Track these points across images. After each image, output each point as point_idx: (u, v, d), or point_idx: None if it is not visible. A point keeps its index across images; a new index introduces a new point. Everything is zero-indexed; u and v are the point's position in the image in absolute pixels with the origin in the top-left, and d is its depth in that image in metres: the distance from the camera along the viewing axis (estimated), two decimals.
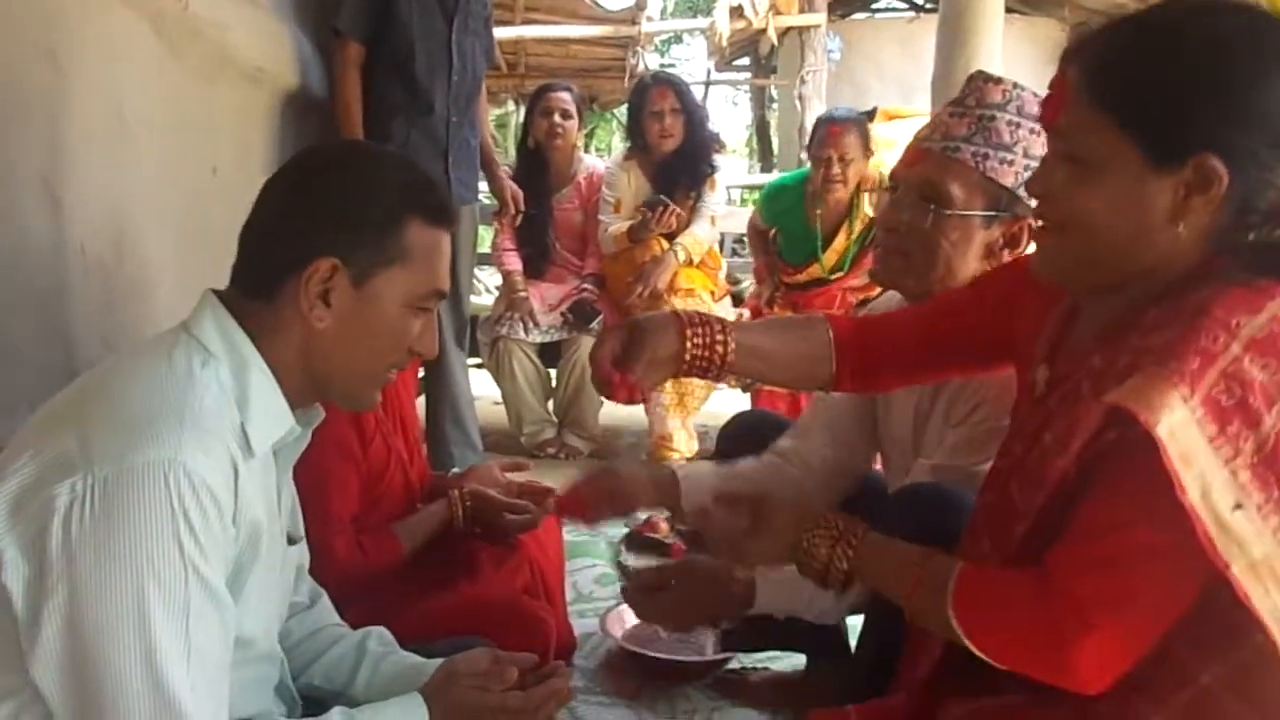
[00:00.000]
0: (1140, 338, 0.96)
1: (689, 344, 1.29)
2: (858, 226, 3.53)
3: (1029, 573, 0.99)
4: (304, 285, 1.00)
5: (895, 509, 1.42)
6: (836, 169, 3.38)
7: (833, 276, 3.60)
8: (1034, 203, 1.21)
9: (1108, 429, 0.94)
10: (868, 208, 3.51)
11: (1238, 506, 0.86)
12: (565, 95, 3.78)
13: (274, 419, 1.02)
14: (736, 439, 1.82)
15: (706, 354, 1.30)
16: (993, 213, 1.45)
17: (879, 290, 3.62)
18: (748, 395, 3.62)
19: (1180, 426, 0.86)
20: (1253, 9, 1.03)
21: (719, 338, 1.30)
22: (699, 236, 3.65)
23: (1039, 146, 1.40)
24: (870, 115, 3.96)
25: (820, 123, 3.59)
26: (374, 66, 2.75)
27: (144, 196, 1.72)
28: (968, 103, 1.47)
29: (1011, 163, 1.43)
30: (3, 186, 1.32)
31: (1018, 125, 1.44)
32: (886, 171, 4.81)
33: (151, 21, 1.71)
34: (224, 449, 0.93)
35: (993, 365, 1.39)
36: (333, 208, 1.03)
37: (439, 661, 1.19)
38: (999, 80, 1.47)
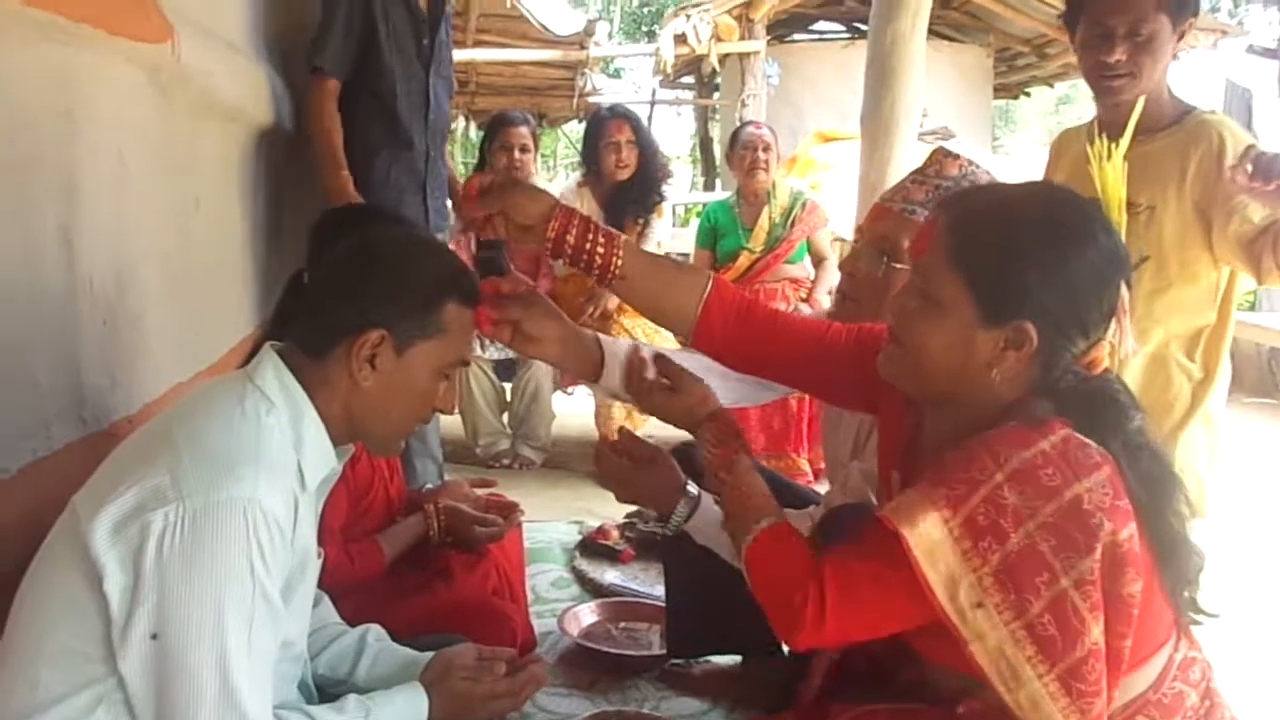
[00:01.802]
0: (955, 452, 1.14)
1: (555, 226, 1.35)
2: (777, 210, 4.12)
3: (812, 550, 1.19)
4: (355, 351, 1.18)
5: (821, 528, 1.59)
6: (762, 155, 4.04)
7: (758, 251, 4.11)
8: None
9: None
10: (784, 195, 4.14)
11: (979, 605, 1.05)
12: (524, 130, 3.91)
13: (322, 459, 1.19)
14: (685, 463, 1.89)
15: (586, 251, 1.36)
16: None
17: (824, 291, 3.98)
18: None
19: (934, 544, 1.05)
20: (1091, 206, 1.23)
21: (603, 244, 1.37)
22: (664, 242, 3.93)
23: None
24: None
25: (740, 129, 4.32)
26: (355, 106, 2.87)
27: (139, 230, 1.83)
28: (928, 172, 1.65)
29: None
30: (24, 232, 1.43)
31: None
32: (821, 190, 5.10)
33: (149, 74, 1.82)
34: (288, 486, 1.10)
35: (843, 403, 1.56)
36: (385, 288, 1.20)
37: (430, 655, 1.35)
38: (957, 157, 1.65)
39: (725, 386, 1.66)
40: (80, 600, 1.02)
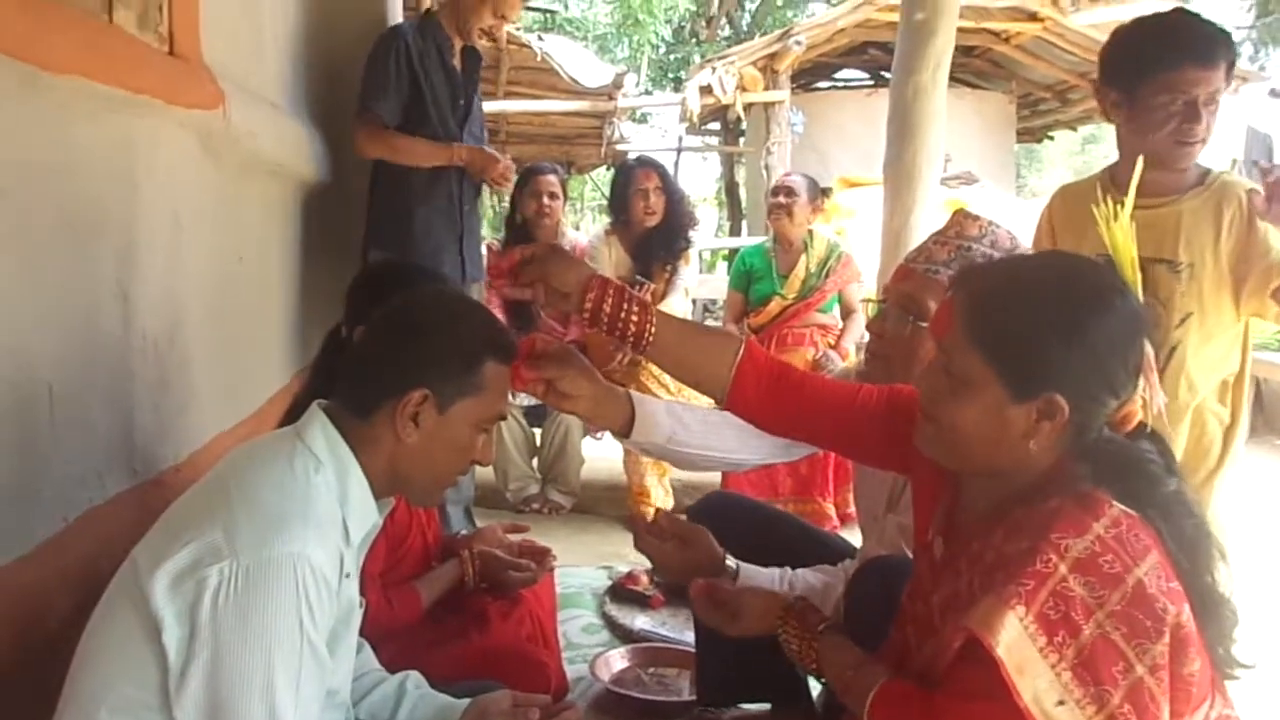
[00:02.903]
0: (1004, 539, 1.16)
1: (593, 296, 1.40)
2: (814, 260, 4.18)
3: (922, 699, 1.19)
4: (399, 410, 1.23)
5: (860, 580, 1.62)
6: (783, 199, 4.12)
7: (791, 299, 4.16)
8: None
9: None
10: (821, 246, 4.21)
11: (1060, 703, 1.06)
12: (552, 178, 4.01)
13: (366, 515, 1.25)
14: (704, 520, 1.88)
15: (620, 319, 1.40)
16: None
17: (851, 341, 4.04)
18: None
19: (1015, 643, 1.06)
20: (1105, 271, 1.27)
21: (636, 312, 1.41)
22: (675, 308, 3.92)
23: None
24: (826, 192, 4.41)
25: (781, 178, 4.42)
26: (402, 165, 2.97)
27: (189, 285, 1.91)
28: (949, 233, 1.69)
29: None
30: (87, 289, 1.51)
31: (991, 256, 1.63)
32: (846, 236, 5.15)
33: (200, 137, 1.91)
34: (334, 542, 1.16)
35: (876, 465, 1.59)
36: (428, 350, 1.26)
37: (467, 701, 1.39)
38: (977, 218, 1.69)
39: (755, 445, 1.71)
40: (140, 650, 1.07)
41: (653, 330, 1.42)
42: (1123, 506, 1.13)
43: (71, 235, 1.44)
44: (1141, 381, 1.21)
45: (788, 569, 1.80)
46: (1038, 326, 1.17)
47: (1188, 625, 1.09)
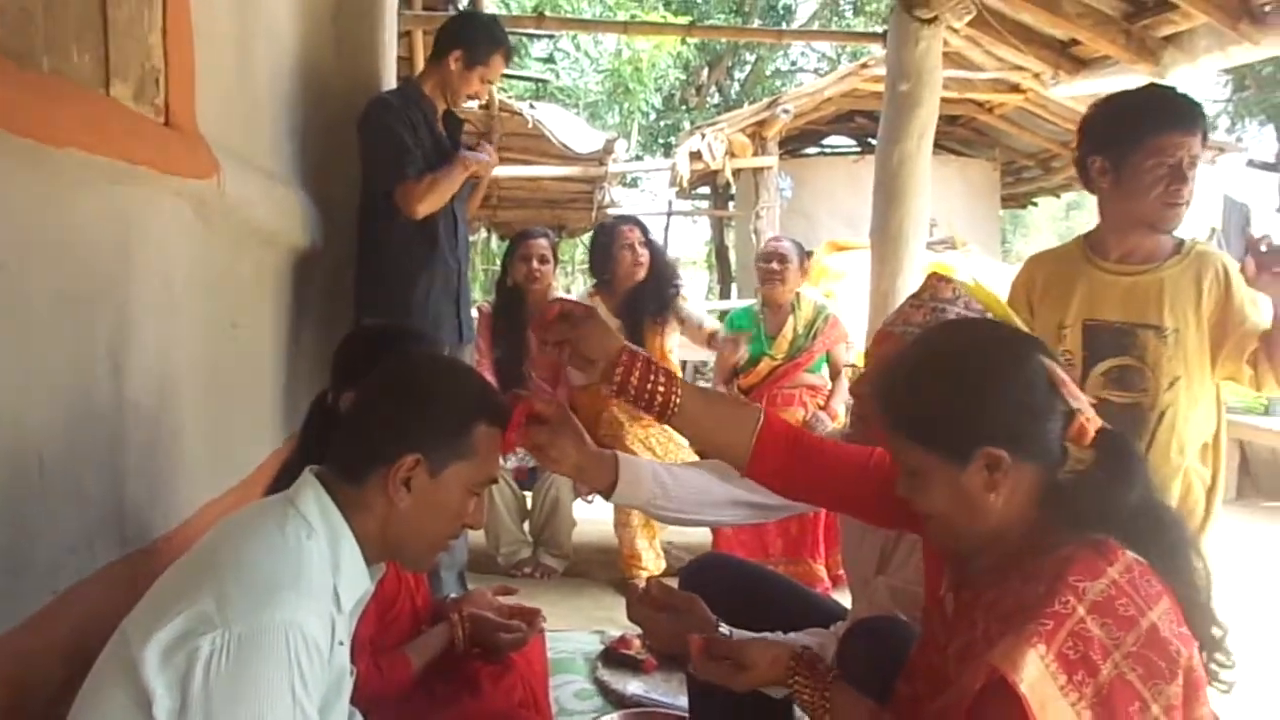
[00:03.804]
0: (1021, 584, 1.18)
1: (622, 369, 1.43)
2: (801, 322, 4.23)
3: None
4: (392, 474, 1.23)
5: (851, 640, 1.62)
6: (775, 265, 4.14)
7: (780, 359, 4.19)
8: None
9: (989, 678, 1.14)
10: (808, 308, 4.25)
11: None
12: (543, 243, 4.06)
13: (358, 581, 1.24)
14: (697, 581, 1.90)
15: (648, 391, 1.44)
16: None
17: (840, 402, 4.06)
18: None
19: (1037, 680, 1.07)
20: (982, 322, 1.36)
21: (663, 383, 1.45)
22: (704, 323, 4.11)
23: None
24: (809, 253, 4.47)
25: (768, 243, 4.45)
26: (396, 229, 3.00)
27: (181, 353, 1.92)
28: (924, 296, 1.73)
29: None
30: (80, 359, 1.51)
31: (965, 317, 1.66)
32: (835, 298, 5.21)
33: (194, 207, 1.93)
34: (326, 610, 1.15)
35: (888, 525, 1.62)
36: (419, 415, 1.26)
37: None
38: (950, 281, 1.73)
39: (735, 510, 1.76)
40: None
41: (678, 401, 1.46)
42: (1134, 555, 1.16)
43: (66, 305, 1.45)
44: (1066, 396, 1.23)
45: (780, 633, 1.78)
46: (941, 396, 1.22)
47: (1198, 669, 1.11)
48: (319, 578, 1.18)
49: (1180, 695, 1.08)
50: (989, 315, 1.58)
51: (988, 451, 1.19)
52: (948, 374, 1.23)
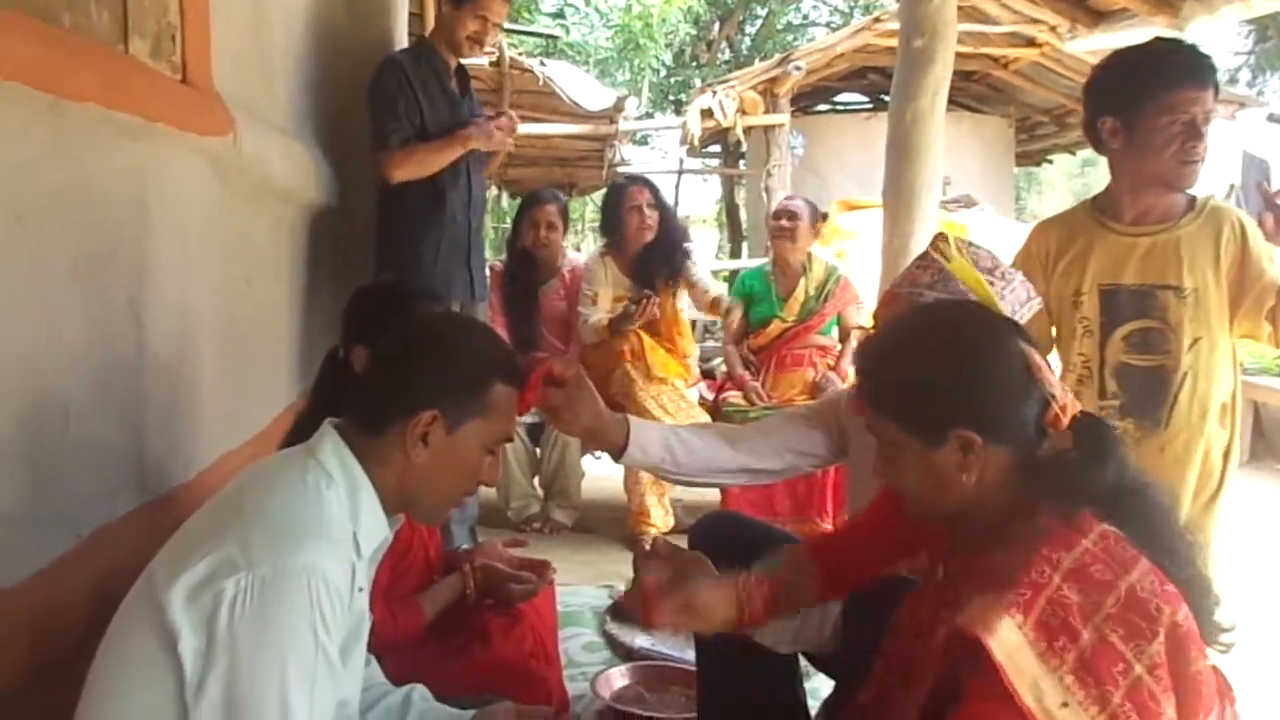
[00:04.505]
0: (1003, 556, 1.20)
1: (745, 615, 1.51)
2: (813, 283, 4.25)
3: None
4: (409, 429, 1.27)
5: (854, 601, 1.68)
6: (786, 223, 4.18)
7: (790, 321, 4.22)
8: None
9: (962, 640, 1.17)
10: (820, 270, 4.28)
11: (1064, 705, 1.09)
12: (551, 209, 4.08)
13: (376, 529, 1.28)
14: (706, 540, 1.91)
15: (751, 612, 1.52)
16: None
17: (850, 363, 4.09)
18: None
19: (1015, 648, 1.10)
20: (962, 305, 1.38)
21: (758, 589, 1.52)
22: (708, 287, 4.09)
23: (992, 294, 1.65)
24: (824, 215, 4.47)
25: (781, 202, 4.51)
26: (406, 189, 3.02)
27: (198, 307, 1.95)
28: (930, 257, 1.74)
29: None
30: (101, 311, 1.54)
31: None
32: (848, 258, 5.20)
33: (211, 164, 1.96)
34: (345, 555, 1.20)
35: (910, 556, 1.64)
36: (437, 372, 1.30)
37: (471, 713, 1.42)
38: (955, 241, 1.74)
39: (741, 472, 1.85)
40: (156, 661, 1.09)
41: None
42: (1109, 526, 1.18)
43: (86, 259, 1.48)
44: (1045, 382, 1.26)
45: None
46: (918, 377, 1.27)
47: (1186, 625, 1.13)
48: (339, 525, 1.21)
49: (1163, 652, 1.10)
50: (972, 296, 1.59)
51: (960, 434, 1.23)
52: (926, 356, 1.27)
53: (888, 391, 1.30)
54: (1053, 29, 6.76)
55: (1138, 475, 1.28)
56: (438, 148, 3.02)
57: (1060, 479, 1.22)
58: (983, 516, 1.27)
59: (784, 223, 4.20)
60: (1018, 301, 1.70)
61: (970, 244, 1.73)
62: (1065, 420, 1.25)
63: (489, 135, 3.10)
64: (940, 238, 1.76)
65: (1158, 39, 2.19)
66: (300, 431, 1.60)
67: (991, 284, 1.66)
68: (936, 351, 1.27)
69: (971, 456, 1.23)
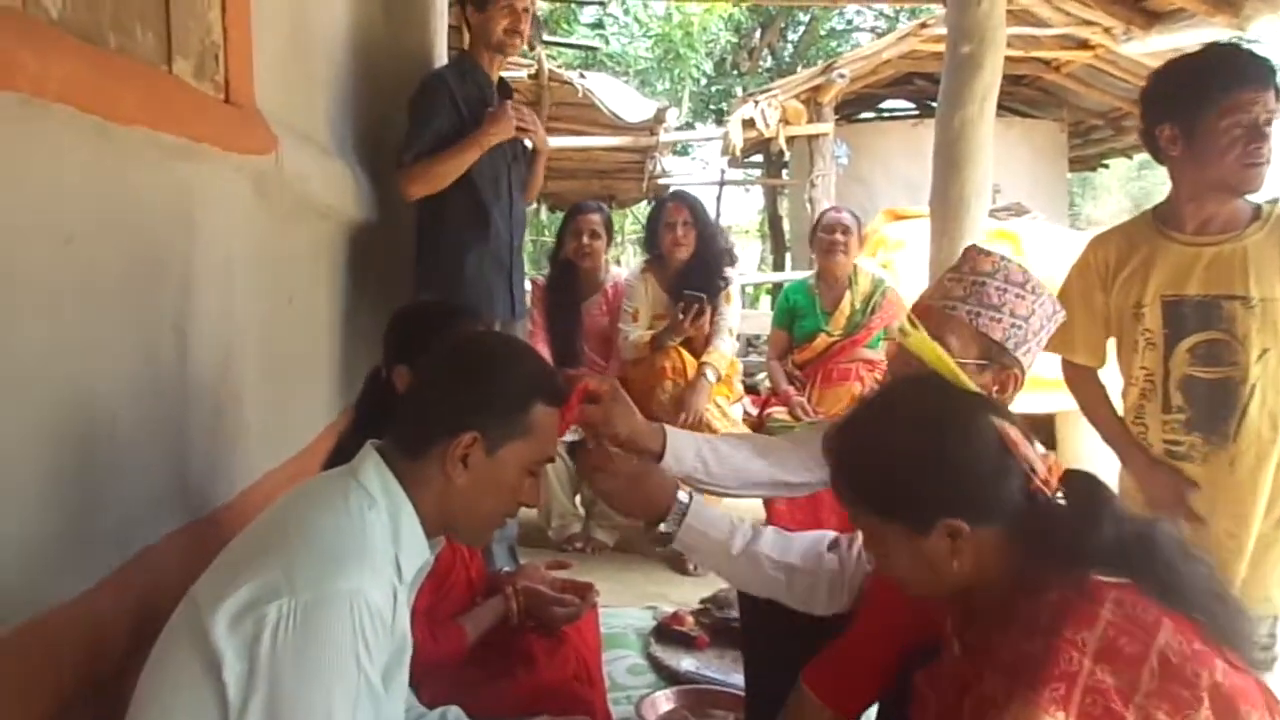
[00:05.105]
0: (1019, 636, 1.18)
1: None
2: (859, 296, 4.23)
3: None
4: (450, 451, 1.28)
5: None
6: (839, 236, 4.16)
7: (836, 335, 4.20)
8: (1019, 354, 1.58)
9: None
10: (866, 282, 4.25)
11: None
12: (595, 217, 4.09)
13: (418, 552, 1.30)
14: (757, 631, 1.97)
15: None
16: (984, 361, 1.66)
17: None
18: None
19: None
20: (929, 388, 1.35)
21: None
22: (724, 352, 3.94)
23: (1023, 308, 1.66)
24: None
25: (824, 213, 4.46)
26: (447, 205, 3.05)
27: (241, 326, 1.98)
28: (963, 269, 1.73)
29: (1000, 320, 1.65)
30: (147, 329, 1.58)
31: (1004, 290, 1.67)
32: (895, 270, 5.17)
33: (253, 182, 2.00)
34: (388, 579, 1.21)
35: (922, 640, 1.64)
36: (478, 393, 1.32)
37: None
38: (989, 254, 1.73)
39: (776, 486, 1.86)
40: (200, 686, 1.11)
41: None
42: (1115, 579, 1.17)
43: (132, 278, 1.51)
44: (1019, 454, 1.25)
45: (745, 523, 1.79)
46: (894, 469, 1.26)
47: (1227, 681, 1.11)
48: (382, 548, 1.23)
49: (1211, 715, 1.09)
50: (936, 372, 1.47)
51: (947, 523, 1.23)
52: (899, 446, 1.27)
53: (864, 485, 1.31)
54: (1106, 31, 6.67)
55: (1138, 521, 1.25)
56: (453, 154, 3.00)
57: (1059, 546, 1.21)
58: (986, 593, 1.27)
59: (837, 236, 4.19)
60: (1044, 316, 1.69)
61: (1003, 258, 1.71)
62: (1052, 484, 1.26)
63: (506, 122, 3.06)
64: (974, 249, 1.75)
65: (1214, 43, 2.18)
66: (342, 452, 1.63)
67: (1022, 298, 1.66)
68: (909, 440, 1.27)
69: (960, 542, 1.23)
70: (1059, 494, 1.26)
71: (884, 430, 1.31)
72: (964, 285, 1.71)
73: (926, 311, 1.74)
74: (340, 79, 2.95)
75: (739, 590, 1.96)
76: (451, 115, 3.03)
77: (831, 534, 1.82)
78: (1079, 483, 1.27)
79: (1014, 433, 1.26)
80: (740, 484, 1.84)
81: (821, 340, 4.21)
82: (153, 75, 1.55)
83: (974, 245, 1.79)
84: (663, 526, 1.70)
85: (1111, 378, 2.36)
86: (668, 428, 1.77)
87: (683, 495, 1.70)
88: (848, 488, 1.33)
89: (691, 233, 4.02)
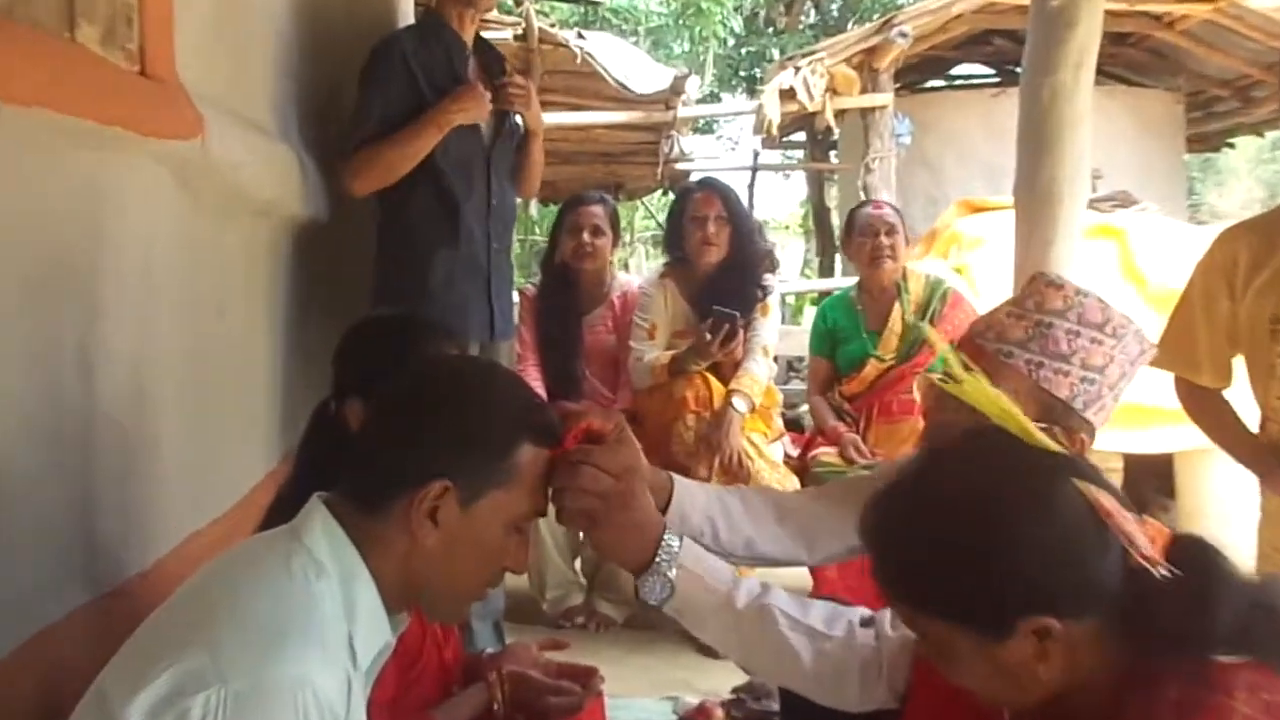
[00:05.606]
0: None
1: None
2: (911, 305, 4.09)
3: None
4: (416, 505, 1.28)
5: None
6: (885, 239, 4.05)
7: (890, 359, 4.07)
8: (1089, 414, 1.56)
9: None
10: (919, 286, 4.16)
11: None
12: (598, 210, 4.07)
13: (376, 631, 1.29)
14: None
15: None
16: (1044, 424, 1.51)
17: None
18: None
19: None
20: (1001, 449, 1.29)
21: None
22: (757, 376, 3.85)
23: (1099, 357, 1.63)
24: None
25: (856, 210, 4.31)
26: (410, 198, 3.07)
27: (159, 350, 1.99)
28: (1026, 305, 1.70)
29: (1067, 374, 1.63)
30: (47, 359, 1.59)
31: (1077, 334, 1.65)
32: (971, 274, 5.15)
33: (174, 172, 2.01)
34: (340, 665, 1.20)
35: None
36: (450, 433, 1.31)
37: None
38: (1061, 285, 1.69)
39: (791, 552, 1.83)
40: None
41: None
42: (1236, 659, 1.16)
43: (27, 291, 1.52)
44: (1114, 525, 1.21)
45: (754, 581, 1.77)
46: (958, 568, 1.21)
47: None
48: (332, 625, 1.22)
49: None
50: (1004, 426, 1.37)
51: (1035, 623, 1.18)
52: (960, 538, 1.21)
53: (916, 585, 1.26)
54: None
55: (1260, 588, 1.24)
56: (404, 138, 3.00)
57: (1172, 631, 1.19)
58: (1085, 697, 1.24)
59: (883, 239, 4.07)
60: (1127, 361, 1.67)
61: (1079, 290, 1.68)
62: (1158, 558, 1.20)
63: (475, 98, 3.05)
64: (1042, 280, 1.72)
65: None
66: (283, 507, 1.63)
67: (1099, 343, 1.65)
68: (971, 527, 1.22)
69: (1050, 642, 1.19)
70: (1164, 568, 1.22)
71: (937, 510, 1.26)
72: (1026, 325, 1.68)
73: (979, 354, 1.71)
74: (284, 45, 2.97)
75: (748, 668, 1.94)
76: (405, 89, 3.03)
77: (864, 611, 1.78)
78: (1189, 551, 1.24)
79: (1106, 500, 1.21)
80: (748, 556, 1.81)
81: (872, 368, 4.08)
82: (51, 44, 1.56)
83: (1042, 273, 1.76)
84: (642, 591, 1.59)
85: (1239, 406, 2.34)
86: (678, 479, 1.75)
87: (671, 537, 1.68)
88: (895, 586, 1.29)
89: (725, 230, 3.95)
